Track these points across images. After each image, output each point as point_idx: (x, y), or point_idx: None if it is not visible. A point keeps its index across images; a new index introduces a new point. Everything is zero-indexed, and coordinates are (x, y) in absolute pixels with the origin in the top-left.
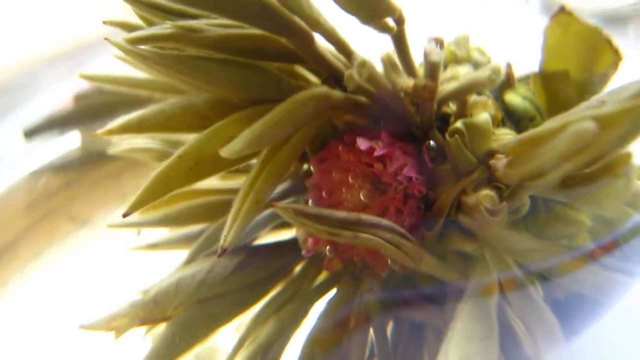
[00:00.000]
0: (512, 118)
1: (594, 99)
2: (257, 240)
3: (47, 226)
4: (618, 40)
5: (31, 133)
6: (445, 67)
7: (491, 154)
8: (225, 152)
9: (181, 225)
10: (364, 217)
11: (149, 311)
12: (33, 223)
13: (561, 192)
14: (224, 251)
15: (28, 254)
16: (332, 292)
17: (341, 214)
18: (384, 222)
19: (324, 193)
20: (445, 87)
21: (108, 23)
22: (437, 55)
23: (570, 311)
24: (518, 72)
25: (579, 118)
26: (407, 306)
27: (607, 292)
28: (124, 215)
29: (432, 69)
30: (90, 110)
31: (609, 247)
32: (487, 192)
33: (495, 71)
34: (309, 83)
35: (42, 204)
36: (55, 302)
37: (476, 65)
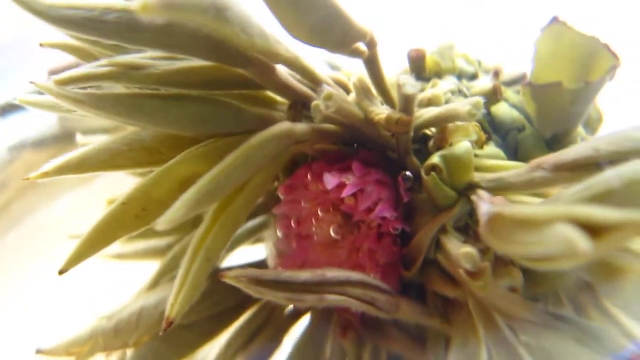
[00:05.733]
0: (499, 131)
1: (588, 147)
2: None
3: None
4: None
5: (6, 109)
6: (428, 79)
7: (473, 186)
8: (162, 224)
9: (148, 237)
10: (330, 274)
11: (109, 340)
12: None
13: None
14: (170, 324)
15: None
16: (306, 318)
17: (304, 275)
18: (354, 276)
19: (292, 222)
20: (422, 113)
21: (46, 45)
22: (412, 88)
23: None
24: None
25: (570, 216)
26: (387, 338)
27: None
28: (60, 272)
29: (407, 102)
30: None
31: None
32: (467, 251)
33: (476, 106)
34: (274, 107)
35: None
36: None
37: (461, 75)
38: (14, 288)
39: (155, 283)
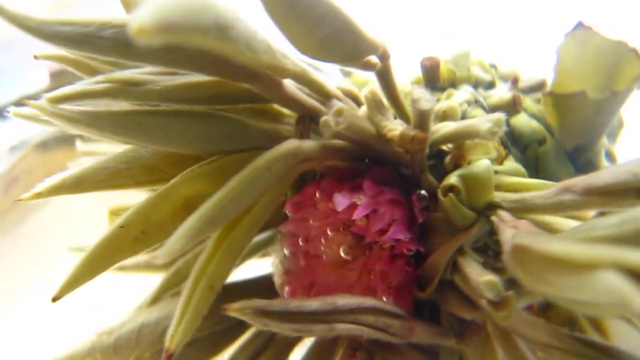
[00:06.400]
0: (518, 144)
1: (625, 170)
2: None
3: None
4: None
5: (3, 111)
6: (443, 89)
7: (493, 206)
8: (162, 257)
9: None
10: (341, 302)
11: (108, 357)
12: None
13: None
14: (170, 356)
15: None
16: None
17: (313, 304)
18: (366, 302)
19: (300, 240)
20: (439, 129)
21: (41, 57)
22: (428, 103)
23: None
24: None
25: (617, 263)
26: (397, 353)
27: None
28: (54, 300)
29: (422, 118)
30: None
31: None
32: (489, 279)
33: (497, 123)
34: (281, 121)
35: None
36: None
37: (477, 84)
38: (9, 297)
39: (156, 298)
